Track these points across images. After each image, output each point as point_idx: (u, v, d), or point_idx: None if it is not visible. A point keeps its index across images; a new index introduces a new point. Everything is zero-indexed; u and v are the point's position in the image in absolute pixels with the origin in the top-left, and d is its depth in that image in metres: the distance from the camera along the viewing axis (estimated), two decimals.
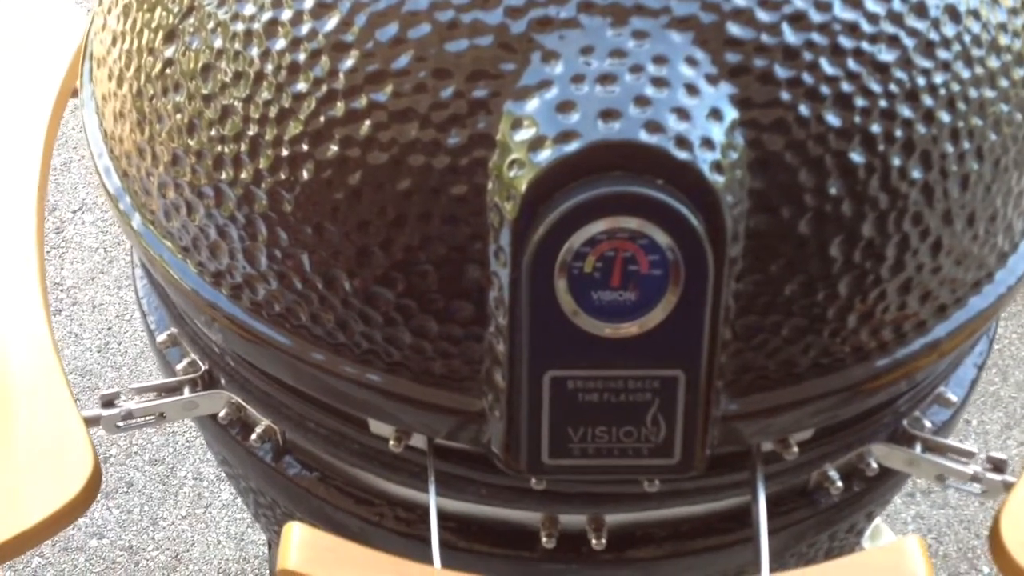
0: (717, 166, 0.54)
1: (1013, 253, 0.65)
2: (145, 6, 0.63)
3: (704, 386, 0.55)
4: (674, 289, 0.53)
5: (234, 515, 1.45)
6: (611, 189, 0.52)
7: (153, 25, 0.62)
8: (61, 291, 1.88)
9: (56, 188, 1.99)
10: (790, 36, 0.56)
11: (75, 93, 0.93)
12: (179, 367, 0.72)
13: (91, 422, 0.67)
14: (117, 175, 0.67)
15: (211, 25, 0.60)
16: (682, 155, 0.53)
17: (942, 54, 0.58)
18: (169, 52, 0.61)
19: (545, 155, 0.53)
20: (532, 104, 0.54)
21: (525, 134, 0.54)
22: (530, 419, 0.55)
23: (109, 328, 1.82)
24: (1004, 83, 0.61)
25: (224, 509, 1.46)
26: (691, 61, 0.55)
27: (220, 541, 1.43)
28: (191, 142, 0.60)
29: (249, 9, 0.59)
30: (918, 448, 0.67)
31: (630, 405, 0.55)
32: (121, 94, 0.65)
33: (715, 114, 0.55)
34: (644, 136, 0.53)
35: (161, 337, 0.74)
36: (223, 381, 0.69)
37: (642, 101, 0.54)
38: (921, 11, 0.58)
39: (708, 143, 0.54)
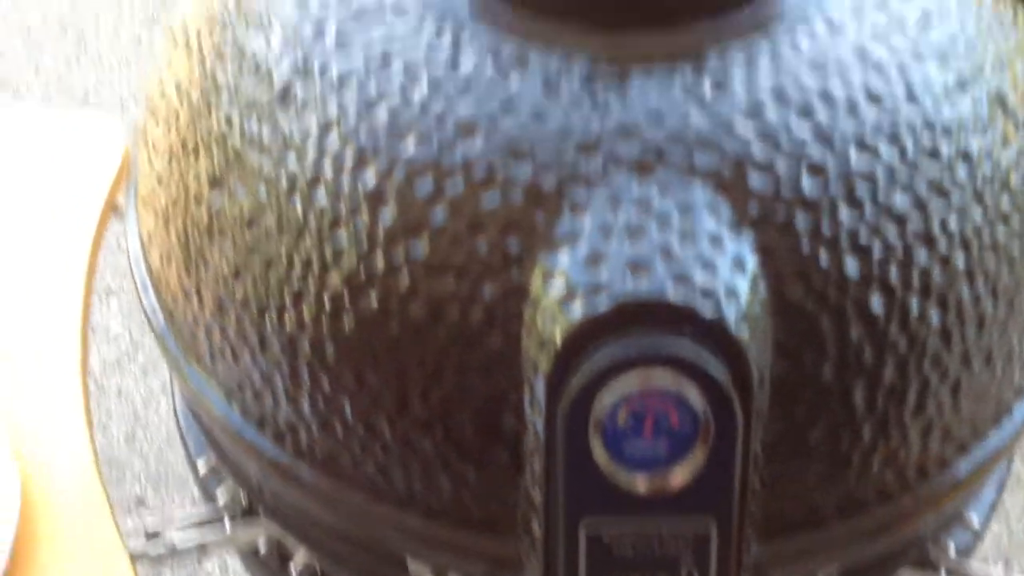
0: (742, 318, 0.56)
1: None
2: (192, 153, 0.66)
3: (736, 536, 0.56)
4: (704, 443, 0.55)
5: None
6: (641, 349, 0.55)
7: (199, 172, 0.65)
8: (87, 377, 1.90)
9: None
10: (809, 187, 0.58)
11: (116, 208, 0.96)
12: (220, 498, 0.74)
13: (136, 558, 0.69)
14: (163, 314, 0.69)
15: (256, 176, 0.62)
16: (708, 310, 0.55)
17: (956, 198, 0.61)
18: (215, 200, 0.64)
19: (577, 310, 0.55)
20: (563, 257, 0.57)
21: (557, 288, 0.56)
22: (567, 569, 0.57)
23: (135, 416, 1.85)
24: (1016, 222, 0.63)
25: None
26: (714, 212, 0.58)
27: None
28: (236, 290, 0.63)
29: (292, 162, 0.61)
30: (943, 573, 0.69)
31: (664, 557, 0.57)
32: (167, 237, 0.68)
33: (738, 265, 0.57)
34: (671, 291, 0.55)
35: (200, 463, 0.76)
36: (263, 514, 0.71)
37: (668, 255, 0.56)
38: (934, 156, 0.60)
39: (733, 295, 0.56)
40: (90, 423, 0.77)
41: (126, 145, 0.96)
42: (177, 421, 0.81)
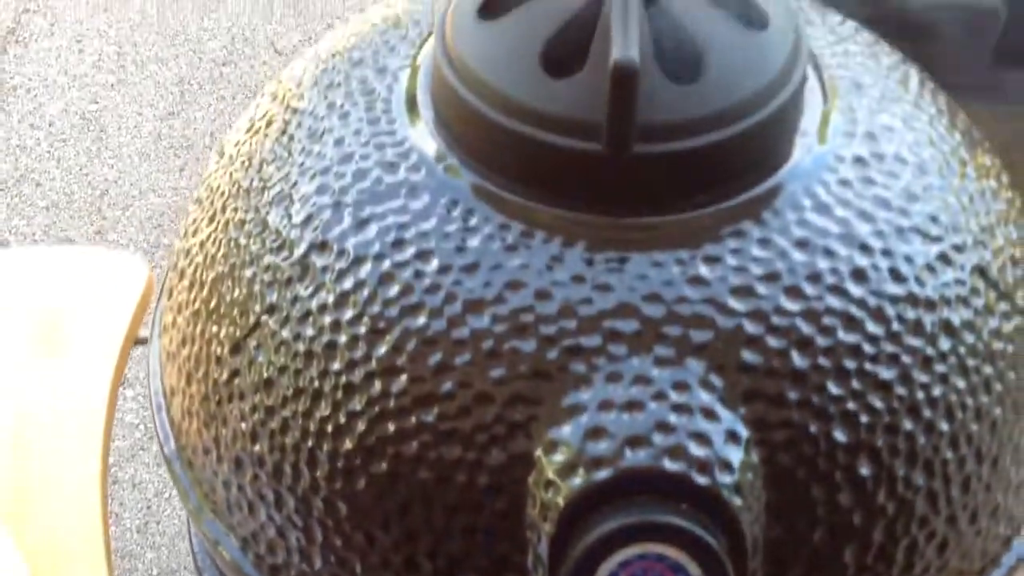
0: (736, 488, 0.59)
1: (1017, 536, 0.69)
2: (214, 316, 0.70)
3: None
4: None
5: None
6: (640, 518, 0.57)
7: (221, 336, 0.69)
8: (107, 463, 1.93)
9: None
10: (798, 360, 0.62)
11: (139, 341, 1.00)
12: None
13: None
14: (182, 463, 0.73)
15: (275, 343, 0.66)
16: (703, 480, 0.58)
17: (939, 368, 0.64)
18: (235, 363, 0.68)
19: (578, 480, 0.58)
20: (566, 429, 0.60)
21: (560, 458, 0.59)
22: None
23: (148, 507, 1.87)
24: (999, 387, 0.66)
25: None
26: (708, 386, 0.61)
27: None
28: (254, 448, 0.66)
29: (309, 331, 0.65)
30: None
31: None
32: (189, 392, 0.71)
33: (732, 437, 0.60)
34: (668, 464, 0.59)
35: None
36: None
37: (665, 428, 0.59)
38: (918, 329, 0.64)
39: (726, 466, 0.59)
40: (105, 521, 0.80)
41: (147, 276, 1.00)
42: (193, 555, 0.84)
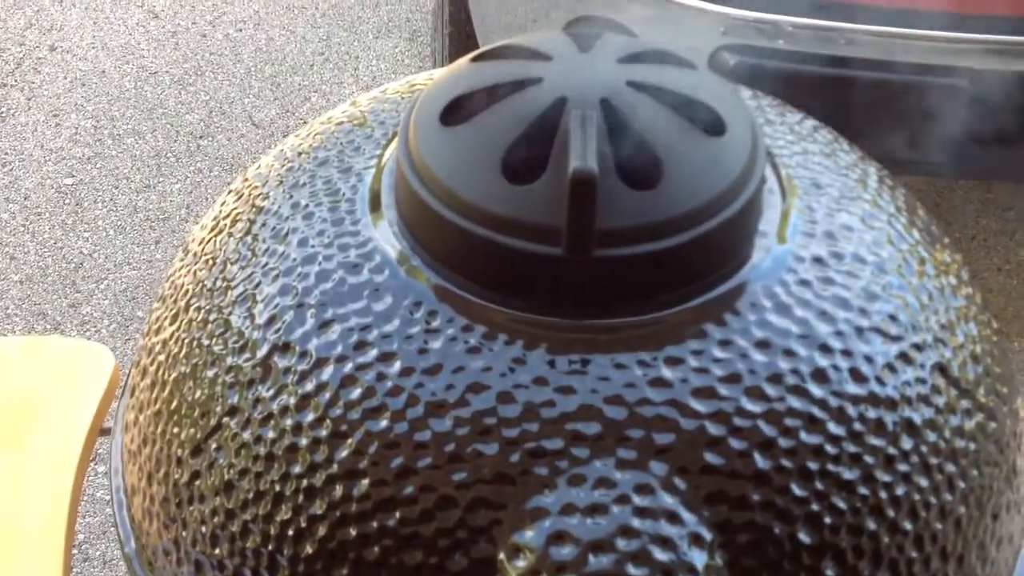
0: None
1: None
2: (175, 417, 0.69)
3: None
4: None
5: None
6: None
7: (182, 437, 0.68)
8: (73, 547, 1.89)
9: None
10: (760, 462, 0.62)
11: (104, 431, 0.99)
12: None
13: None
14: (142, 564, 0.72)
15: (235, 445, 0.66)
16: None
17: (902, 467, 0.64)
18: (196, 465, 0.67)
19: None
20: (529, 533, 0.60)
21: (523, 563, 0.59)
22: None
23: None
24: (962, 485, 0.66)
25: None
26: (671, 489, 0.61)
27: None
28: (215, 551, 0.66)
29: (270, 433, 0.65)
30: None
31: None
32: (150, 493, 0.70)
33: (696, 540, 0.60)
34: (632, 570, 0.58)
35: None
36: None
37: (628, 532, 0.59)
38: (880, 428, 0.64)
39: (691, 570, 0.59)
40: None
41: (113, 366, 0.99)
42: None
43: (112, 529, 1.93)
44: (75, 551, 1.94)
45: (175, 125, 2.62)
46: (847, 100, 1.77)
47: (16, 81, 2.74)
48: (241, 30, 2.87)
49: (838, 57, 1.73)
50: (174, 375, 0.70)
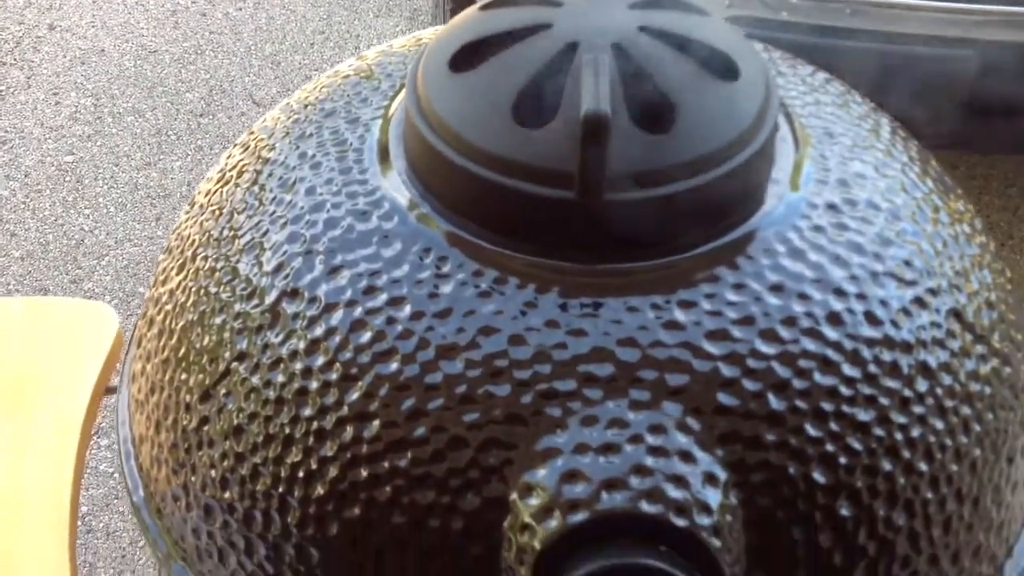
0: (715, 529, 0.58)
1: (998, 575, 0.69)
2: (183, 364, 0.69)
3: None
4: None
5: None
6: (618, 561, 0.56)
7: (190, 383, 0.68)
8: (76, 518, 1.89)
9: None
10: (775, 403, 0.61)
11: (109, 390, 0.98)
12: None
13: None
14: (150, 511, 0.71)
15: (245, 390, 0.65)
16: (681, 522, 0.57)
17: (917, 409, 0.63)
18: (205, 410, 0.67)
19: (555, 523, 0.57)
20: (541, 473, 0.59)
21: (535, 502, 0.58)
22: None
23: (123, 556, 1.83)
24: (977, 428, 0.66)
25: None
26: (685, 429, 0.60)
27: None
28: (224, 495, 0.65)
29: (280, 378, 0.64)
30: None
31: None
32: (158, 441, 0.70)
33: (710, 479, 0.59)
34: (645, 506, 0.58)
35: None
36: None
37: (642, 471, 0.59)
38: (895, 371, 0.63)
39: (705, 508, 0.58)
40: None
41: (118, 326, 0.99)
42: None
43: (115, 501, 1.93)
44: (79, 523, 1.94)
45: (175, 103, 2.61)
46: (851, 72, 1.77)
47: (15, 60, 2.73)
48: (241, 9, 2.86)
49: (843, 28, 1.73)
50: (181, 323, 0.69)
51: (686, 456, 0.60)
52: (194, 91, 2.64)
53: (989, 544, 0.67)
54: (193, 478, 0.67)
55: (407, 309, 0.62)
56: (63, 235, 2.29)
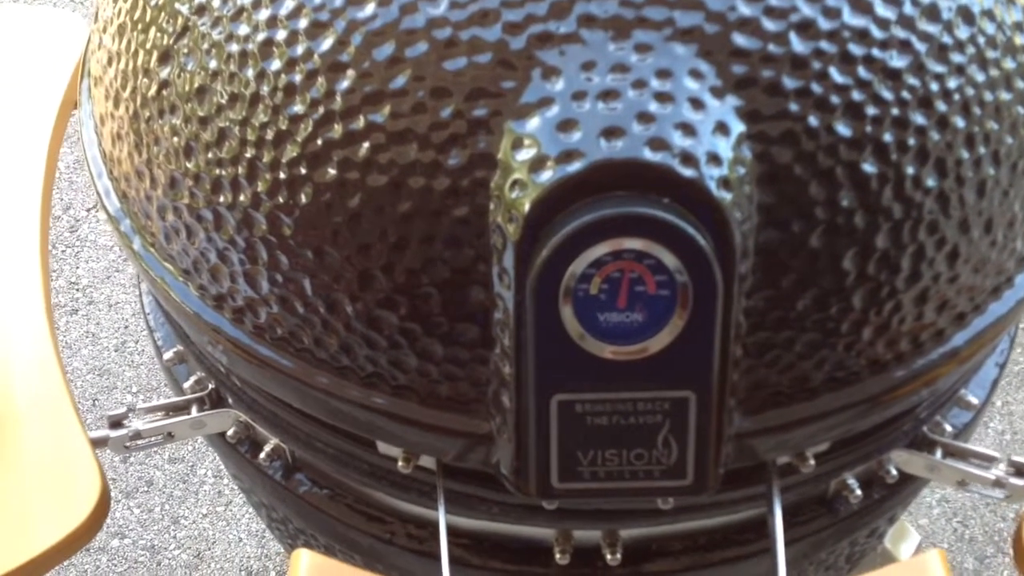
0: (724, 182, 0.52)
1: None
2: (140, 26, 0.62)
3: (716, 406, 0.54)
4: (682, 310, 0.52)
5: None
6: (615, 210, 0.51)
7: (148, 46, 0.61)
8: (77, 290, 1.88)
9: (70, 186, 1.99)
10: (798, 45, 0.54)
11: (77, 104, 0.92)
12: (186, 385, 0.71)
13: (98, 443, 0.66)
14: (116, 196, 0.66)
15: (206, 46, 0.58)
16: (688, 172, 0.52)
17: (956, 58, 0.57)
18: (164, 73, 0.60)
19: (547, 175, 0.52)
20: (533, 123, 0.53)
21: (526, 154, 0.53)
22: (538, 443, 0.54)
23: (126, 326, 1.82)
24: (1021, 85, 0.59)
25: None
26: (696, 74, 0.54)
27: (241, 539, 1.43)
28: (188, 165, 0.60)
29: (243, 30, 0.57)
30: (939, 454, 0.66)
31: (640, 427, 0.54)
32: (118, 115, 0.64)
33: (721, 128, 0.53)
34: (648, 154, 0.52)
35: (168, 355, 0.74)
36: (230, 400, 0.69)
37: (645, 117, 0.52)
38: (933, 14, 0.56)
39: (715, 159, 0.52)
40: (49, 312, 0.74)
41: (86, 36, 0.91)
42: (145, 317, 0.78)
43: (116, 275, 1.91)
44: (80, 294, 1.93)
45: None
46: None
47: None
48: None
49: None
50: None
51: (696, 103, 0.53)
52: None
53: None
54: (155, 149, 0.61)
55: None
56: None
